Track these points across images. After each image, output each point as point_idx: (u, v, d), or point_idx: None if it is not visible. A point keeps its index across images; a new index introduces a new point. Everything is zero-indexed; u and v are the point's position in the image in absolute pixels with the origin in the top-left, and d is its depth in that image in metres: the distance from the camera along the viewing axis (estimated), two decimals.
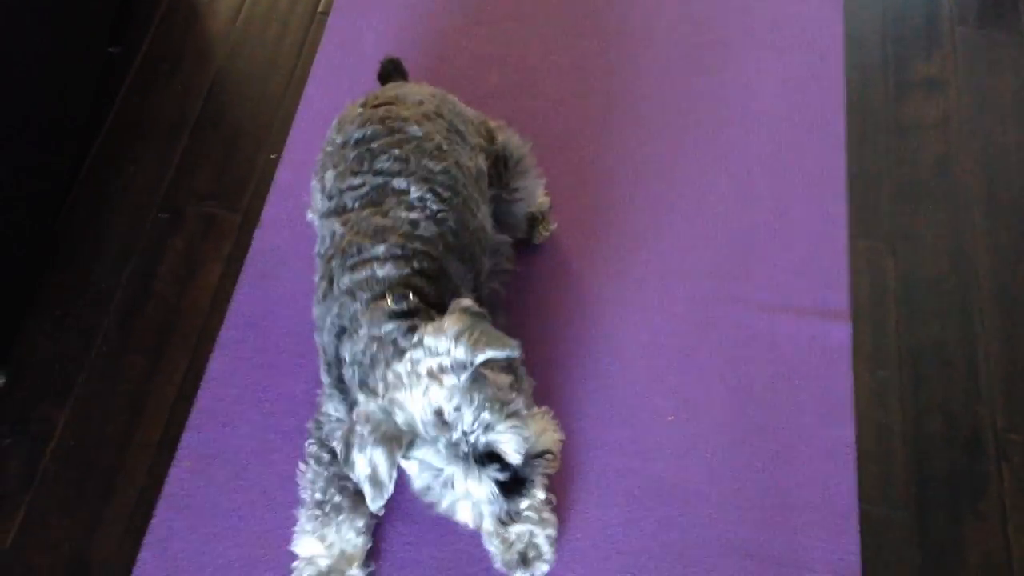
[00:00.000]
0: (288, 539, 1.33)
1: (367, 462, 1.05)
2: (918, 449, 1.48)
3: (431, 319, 1.14)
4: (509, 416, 1.08)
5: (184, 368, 1.52)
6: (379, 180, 1.29)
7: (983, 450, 1.47)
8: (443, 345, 1.07)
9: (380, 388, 1.09)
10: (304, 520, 1.31)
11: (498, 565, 1.36)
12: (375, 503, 1.07)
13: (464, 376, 1.06)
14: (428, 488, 1.09)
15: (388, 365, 1.10)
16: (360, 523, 1.31)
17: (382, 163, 1.30)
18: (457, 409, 1.05)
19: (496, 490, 1.08)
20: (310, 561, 1.30)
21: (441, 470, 1.07)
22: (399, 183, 1.28)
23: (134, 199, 1.74)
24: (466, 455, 1.06)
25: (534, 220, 1.60)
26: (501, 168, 1.48)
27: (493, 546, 1.36)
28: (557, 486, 1.43)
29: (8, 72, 1.39)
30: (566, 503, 1.42)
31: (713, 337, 1.58)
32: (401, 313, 1.16)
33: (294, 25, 1.94)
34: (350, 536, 1.31)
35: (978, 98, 1.82)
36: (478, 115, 1.49)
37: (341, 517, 1.30)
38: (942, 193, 1.72)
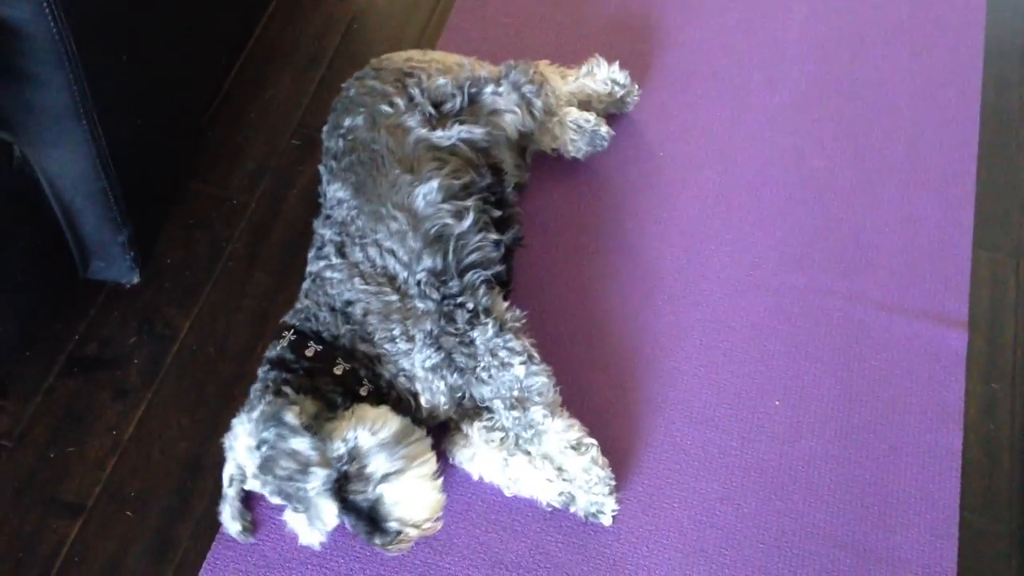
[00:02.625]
0: None
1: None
2: None
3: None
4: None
5: None
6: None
7: None
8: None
9: None
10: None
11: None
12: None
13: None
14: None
15: None
16: None
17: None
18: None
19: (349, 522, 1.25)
20: None
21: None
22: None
23: (271, 122, 1.82)
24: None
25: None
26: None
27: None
28: (653, 452, 1.47)
29: None
30: (665, 472, 1.45)
31: (826, 329, 1.59)
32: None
33: None
34: None
35: None
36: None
37: None
38: None
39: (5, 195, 1.33)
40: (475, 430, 1.39)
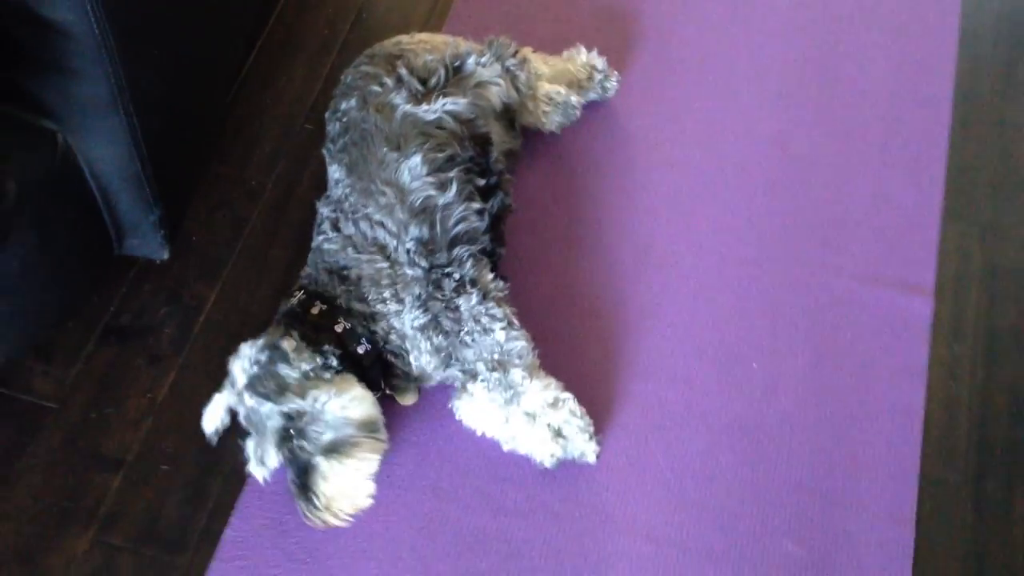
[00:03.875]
0: None
1: None
2: (983, 420, 1.58)
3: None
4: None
5: None
6: None
7: None
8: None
9: None
10: None
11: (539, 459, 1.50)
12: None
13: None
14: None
15: None
16: None
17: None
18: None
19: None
20: None
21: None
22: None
23: (285, 108, 1.91)
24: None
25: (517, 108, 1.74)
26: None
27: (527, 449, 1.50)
28: (640, 412, 1.57)
29: None
30: (649, 428, 1.56)
31: (802, 297, 1.69)
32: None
33: None
34: None
35: None
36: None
37: None
38: None
39: (50, 179, 1.42)
40: (478, 389, 1.49)
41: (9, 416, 1.56)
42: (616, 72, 1.85)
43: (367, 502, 1.37)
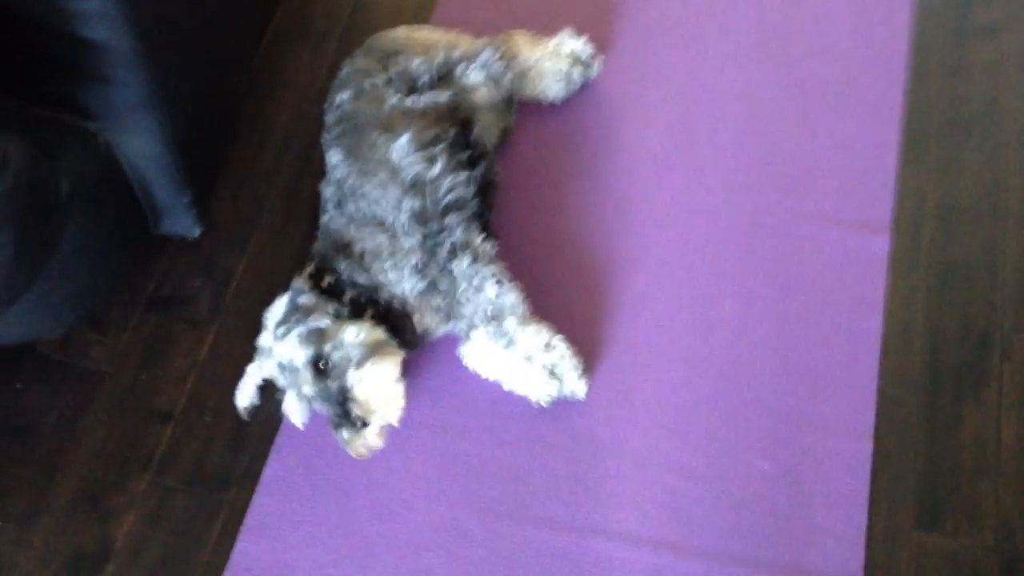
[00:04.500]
0: None
1: None
2: (934, 344, 1.69)
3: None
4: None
5: None
6: None
7: (990, 348, 1.68)
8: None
9: None
10: None
11: (535, 399, 1.61)
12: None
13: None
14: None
15: None
16: None
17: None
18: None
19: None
20: None
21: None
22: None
23: (295, 93, 1.97)
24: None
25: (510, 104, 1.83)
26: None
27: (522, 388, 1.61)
28: (623, 351, 1.68)
29: None
30: (634, 364, 1.68)
31: (768, 240, 1.79)
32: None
33: None
34: None
35: None
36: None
37: None
38: (986, 130, 1.90)
39: (95, 174, 1.51)
40: (480, 336, 1.60)
41: (71, 381, 1.68)
42: (602, 56, 1.91)
43: (401, 402, 1.47)
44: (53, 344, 1.73)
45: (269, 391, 1.57)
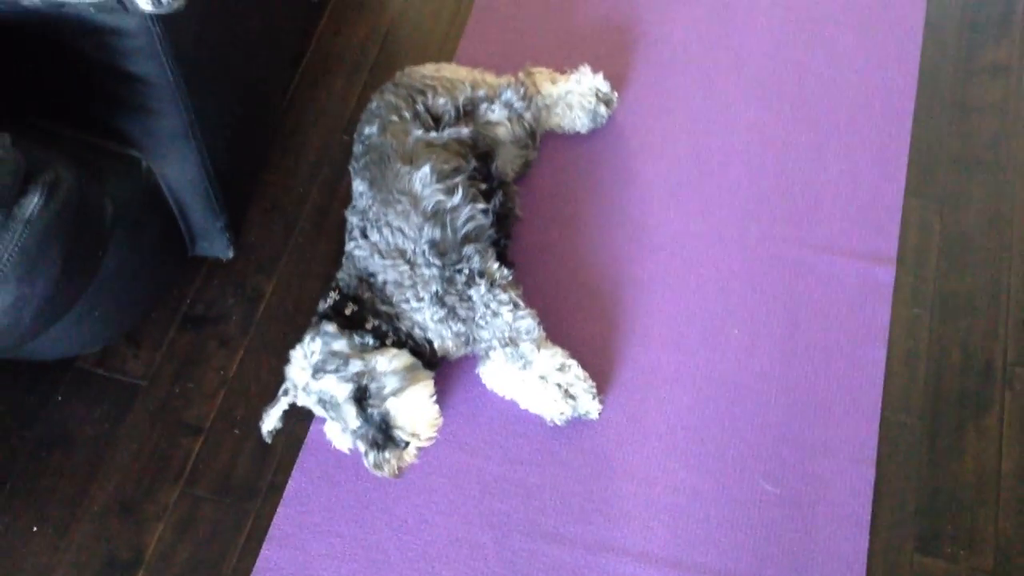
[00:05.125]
0: None
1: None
2: (938, 373, 1.72)
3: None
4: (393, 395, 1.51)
5: None
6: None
7: (992, 378, 1.72)
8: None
9: None
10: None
11: (550, 417, 1.65)
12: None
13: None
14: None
15: None
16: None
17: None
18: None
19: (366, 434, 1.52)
20: None
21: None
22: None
23: (326, 122, 2.04)
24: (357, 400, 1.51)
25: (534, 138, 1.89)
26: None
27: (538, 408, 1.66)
28: (635, 374, 1.72)
29: (255, 15, 1.74)
30: (644, 387, 1.72)
31: (777, 269, 1.83)
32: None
33: None
34: None
35: None
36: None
37: None
38: (991, 166, 1.95)
39: (137, 198, 1.58)
40: (498, 357, 1.64)
41: (108, 393, 1.74)
42: (617, 93, 1.97)
43: (439, 420, 1.55)
44: (91, 358, 1.79)
45: (293, 412, 1.63)
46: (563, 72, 1.97)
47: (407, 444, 1.52)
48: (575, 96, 1.92)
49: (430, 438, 1.55)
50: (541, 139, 1.96)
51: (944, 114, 2.03)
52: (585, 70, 1.95)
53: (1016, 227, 1.90)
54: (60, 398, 1.77)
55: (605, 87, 1.95)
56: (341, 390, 1.52)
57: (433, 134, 1.74)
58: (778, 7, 2.20)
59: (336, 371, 1.52)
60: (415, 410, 1.53)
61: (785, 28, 2.16)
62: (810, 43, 2.14)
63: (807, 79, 2.09)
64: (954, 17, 2.15)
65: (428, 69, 1.91)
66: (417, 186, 1.68)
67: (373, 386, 1.52)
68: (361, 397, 1.52)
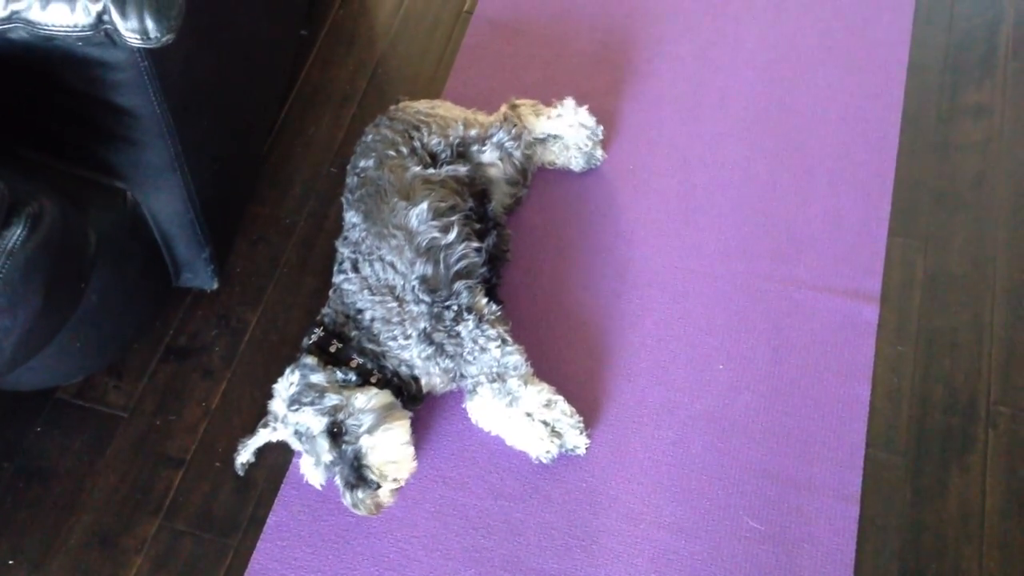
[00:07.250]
0: None
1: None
2: (921, 410, 1.72)
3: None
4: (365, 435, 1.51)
5: None
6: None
7: (975, 416, 1.72)
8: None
9: None
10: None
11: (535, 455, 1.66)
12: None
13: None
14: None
15: None
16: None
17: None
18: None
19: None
20: None
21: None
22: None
23: (313, 155, 2.05)
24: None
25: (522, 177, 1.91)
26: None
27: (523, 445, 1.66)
28: (621, 409, 1.73)
29: (244, 49, 1.76)
30: (629, 422, 1.72)
31: (763, 306, 1.85)
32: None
33: (444, 21, 2.27)
34: None
35: (1019, 125, 2.06)
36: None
37: None
38: (974, 205, 1.97)
39: (122, 228, 1.57)
40: (485, 393, 1.64)
41: (88, 424, 1.74)
42: (602, 127, 1.97)
43: (413, 464, 1.54)
44: (72, 389, 1.78)
45: (274, 446, 1.63)
46: (549, 103, 2.00)
47: (378, 486, 1.51)
48: (571, 138, 1.94)
49: (399, 480, 1.54)
50: (532, 176, 1.97)
51: (927, 153, 2.05)
52: (569, 103, 1.98)
53: (999, 266, 1.91)
54: (39, 429, 1.76)
55: (590, 122, 1.96)
56: (316, 423, 1.51)
57: (431, 171, 1.75)
58: (763, 47, 2.23)
59: (312, 403, 1.52)
60: (388, 451, 1.53)
61: (770, 67, 2.20)
62: (795, 82, 2.17)
63: (792, 118, 2.12)
64: (937, 58, 2.18)
65: (423, 105, 1.92)
66: (413, 222, 1.68)
67: (350, 422, 1.52)
68: (337, 432, 1.52)
